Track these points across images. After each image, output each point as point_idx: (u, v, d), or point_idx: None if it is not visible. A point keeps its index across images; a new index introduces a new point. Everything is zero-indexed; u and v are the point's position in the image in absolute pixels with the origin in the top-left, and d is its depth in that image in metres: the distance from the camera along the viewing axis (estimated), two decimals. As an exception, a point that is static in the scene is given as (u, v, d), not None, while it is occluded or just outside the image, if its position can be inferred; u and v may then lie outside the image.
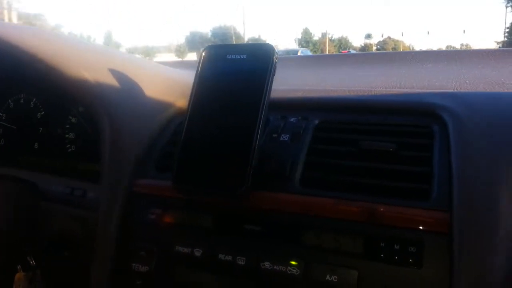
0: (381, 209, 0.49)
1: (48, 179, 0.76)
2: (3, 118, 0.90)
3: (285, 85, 0.69)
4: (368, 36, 68.67)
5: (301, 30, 66.33)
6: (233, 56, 0.56)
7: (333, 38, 70.26)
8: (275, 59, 0.54)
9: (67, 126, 0.83)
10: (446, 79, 0.72)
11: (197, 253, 0.54)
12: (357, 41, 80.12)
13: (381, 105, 0.64)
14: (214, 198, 0.56)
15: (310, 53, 23.69)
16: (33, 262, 0.67)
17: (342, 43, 68.35)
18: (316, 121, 0.64)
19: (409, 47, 74.99)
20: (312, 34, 66.35)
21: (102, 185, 0.63)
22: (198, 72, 0.58)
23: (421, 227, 0.47)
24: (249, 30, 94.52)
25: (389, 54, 1.05)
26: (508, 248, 0.43)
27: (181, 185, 0.55)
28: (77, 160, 0.81)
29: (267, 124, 0.64)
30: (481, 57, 0.93)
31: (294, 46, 59.84)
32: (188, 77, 0.69)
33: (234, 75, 0.56)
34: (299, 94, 0.69)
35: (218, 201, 0.56)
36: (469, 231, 0.45)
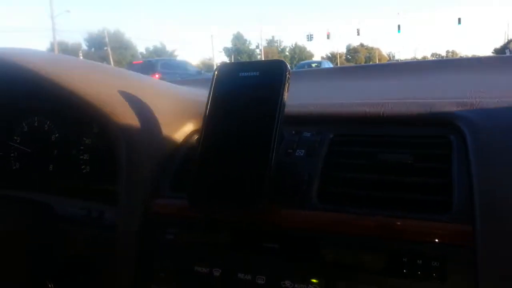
0: (399, 223, 0.49)
1: (64, 201, 0.76)
2: (18, 141, 0.91)
3: (298, 99, 0.69)
4: (311, 37, 45.90)
5: (232, 37, 49.65)
6: (246, 74, 0.57)
7: (283, 47, 54.34)
8: (287, 74, 0.54)
9: (81, 147, 0.83)
10: (460, 88, 0.71)
11: (216, 272, 0.54)
12: (314, 49, 62.42)
13: (396, 116, 0.63)
14: (231, 215, 0.56)
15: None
16: (51, 285, 0.67)
17: (296, 53, 52.66)
18: (331, 135, 0.63)
19: (388, 55, 64.30)
20: (248, 42, 50.11)
21: (119, 206, 0.63)
22: (212, 90, 0.58)
23: (443, 241, 0.47)
24: (151, 38, 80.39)
25: (400, 65, 1.05)
26: None
27: (197, 204, 0.55)
28: (92, 181, 0.81)
29: (282, 139, 0.64)
30: (493, 64, 0.92)
31: (222, 58, 48.00)
32: (201, 96, 0.70)
33: (248, 92, 0.56)
34: (312, 109, 0.69)
35: (235, 218, 0.56)
36: (492, 243, 0.44)
